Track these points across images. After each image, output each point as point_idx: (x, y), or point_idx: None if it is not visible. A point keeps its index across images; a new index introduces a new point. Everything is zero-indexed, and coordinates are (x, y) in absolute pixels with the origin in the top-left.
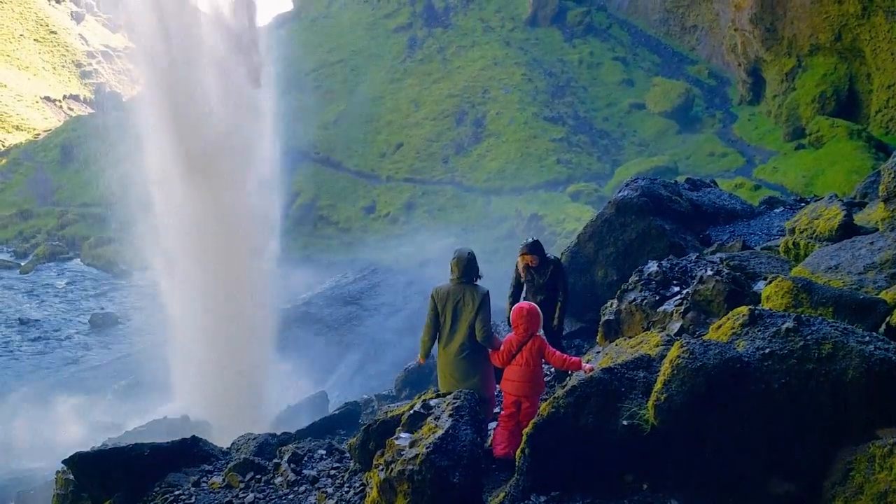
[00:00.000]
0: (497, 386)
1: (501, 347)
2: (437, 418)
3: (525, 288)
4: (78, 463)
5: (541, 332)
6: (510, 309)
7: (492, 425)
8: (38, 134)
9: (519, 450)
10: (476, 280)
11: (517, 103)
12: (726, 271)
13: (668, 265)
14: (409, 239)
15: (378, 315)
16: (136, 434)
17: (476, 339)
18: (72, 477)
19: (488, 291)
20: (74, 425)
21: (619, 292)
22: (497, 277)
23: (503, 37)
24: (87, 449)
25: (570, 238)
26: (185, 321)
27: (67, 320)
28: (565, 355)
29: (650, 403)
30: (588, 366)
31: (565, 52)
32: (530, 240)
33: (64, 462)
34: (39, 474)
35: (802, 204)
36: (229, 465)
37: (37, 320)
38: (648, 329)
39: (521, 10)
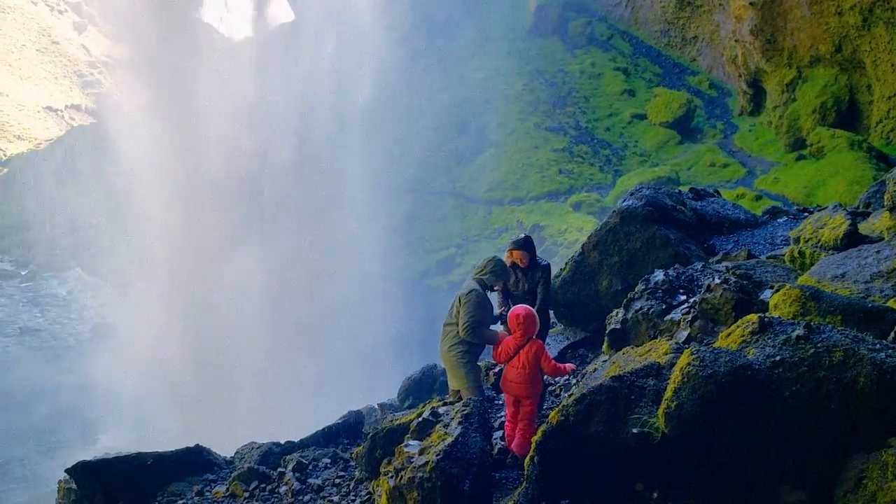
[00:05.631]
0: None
1: (500, 347)
2: (446, 426)
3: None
4: (81, 472)
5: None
6: (501, 302)
7: (497, 434)
8: (40, 143)
9: (528, 457)
10: (489, 283)
11: (519, 113)
12: (733, 280)
13: (675, 274)
14: (411, 249)
15: (379, 325)
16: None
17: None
18: (74, 486)
19: (473, 290)
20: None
21: (625, 301)
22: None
23: (504, 47)
24: (89, 458)
25: (572, 248)
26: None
27: (68, 330)
28: (558, 363)
29: (660, 411)
30: (569, 365)
31: (567, 62)
32: (522, 236)
33: (67, 471)
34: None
35: (805, 214)
36: (233, 475)
37: (37, 330)
38: (655, 338)
39: (522, 20)
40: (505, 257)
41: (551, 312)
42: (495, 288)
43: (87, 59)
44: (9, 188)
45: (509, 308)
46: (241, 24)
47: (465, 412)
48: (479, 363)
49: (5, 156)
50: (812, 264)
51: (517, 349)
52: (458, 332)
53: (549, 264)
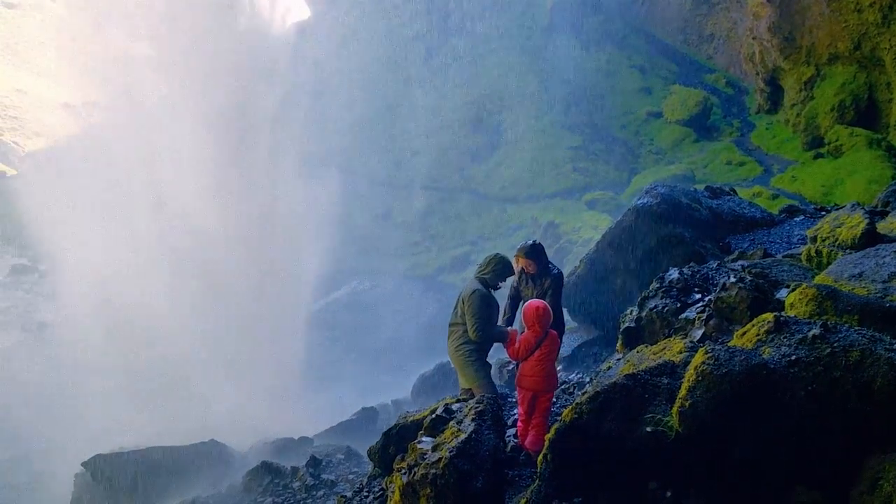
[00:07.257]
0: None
1: (518, 345)
2: (459, 422)
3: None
4: (97, 465)
5: None
6: (508, 308)
7: (510, 431)
8: (58, 140)
9: (541, 455)
10: (491, 282)
11: (534, 111)
12: (749, 278)
13: (690, 272)
14: (425, 247)
15: (393, 322)
16: (155, 436)
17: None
18: (90, 479)
19: (477, 290)
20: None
21: (639, 299)
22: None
23: (520, 44)
24: (105, 451)
25: (587, 246)
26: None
27: (86, 325)
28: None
29: (674, 410)
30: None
31: (582, 59)
32: (530, 242)
33: (83, 464)
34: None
35: (822, 213)
36: (247, 469)
37: (54, 325)
38: (669, 336)
39: (538, 17)
40: (514, 262)
41: (565, 310)
42: (499, 286)
43: (105, 56)
44: (27, 184)
45: (514, 313)
46: (258, 22)
47: (478, 409)
48: (488, 360)
49: (24, 152)
50: (829, 263)
51: (539, 343)
52: (464, 331)
53: (560, 273)
